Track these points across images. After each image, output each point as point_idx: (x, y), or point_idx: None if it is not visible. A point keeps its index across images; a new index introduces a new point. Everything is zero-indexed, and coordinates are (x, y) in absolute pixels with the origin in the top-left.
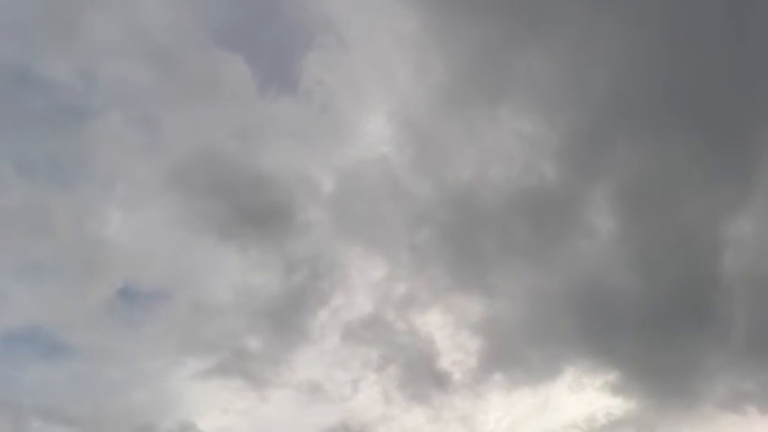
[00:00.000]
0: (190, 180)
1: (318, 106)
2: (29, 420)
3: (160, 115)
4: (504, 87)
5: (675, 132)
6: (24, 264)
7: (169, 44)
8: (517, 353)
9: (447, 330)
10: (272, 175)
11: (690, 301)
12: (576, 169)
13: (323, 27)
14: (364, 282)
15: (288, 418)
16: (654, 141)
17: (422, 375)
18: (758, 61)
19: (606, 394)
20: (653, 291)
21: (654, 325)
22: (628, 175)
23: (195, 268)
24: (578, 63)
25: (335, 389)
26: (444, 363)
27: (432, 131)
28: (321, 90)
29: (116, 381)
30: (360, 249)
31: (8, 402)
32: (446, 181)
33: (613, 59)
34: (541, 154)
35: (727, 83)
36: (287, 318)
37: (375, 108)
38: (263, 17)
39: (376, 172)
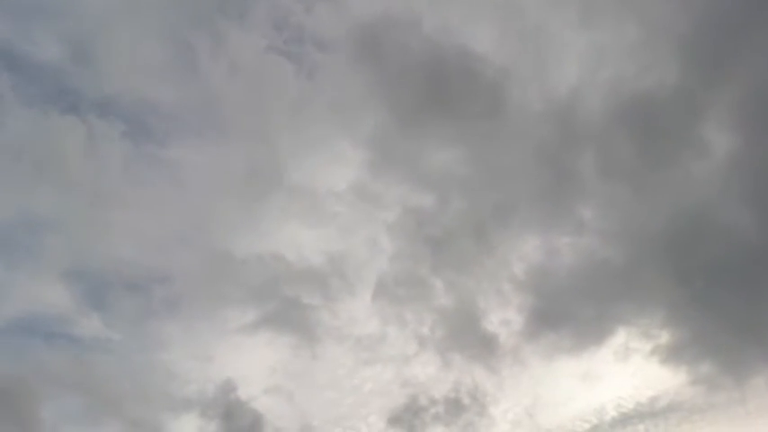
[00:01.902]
0: None
1: None
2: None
3: None
4: None
5: None
6: None
7: None
8: (569, 311)
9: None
10: None
11: None
12: (700, 69)
13: None
14: None
15: None
16: None
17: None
18: None
19: (654, 364)
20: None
21: (757, 276)
22: (759, 82)
23: None
24: None
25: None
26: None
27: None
28: None
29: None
30: None
31: None
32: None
33: None
34: (666, 46)
35: None
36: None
37: None
38: None
39: None
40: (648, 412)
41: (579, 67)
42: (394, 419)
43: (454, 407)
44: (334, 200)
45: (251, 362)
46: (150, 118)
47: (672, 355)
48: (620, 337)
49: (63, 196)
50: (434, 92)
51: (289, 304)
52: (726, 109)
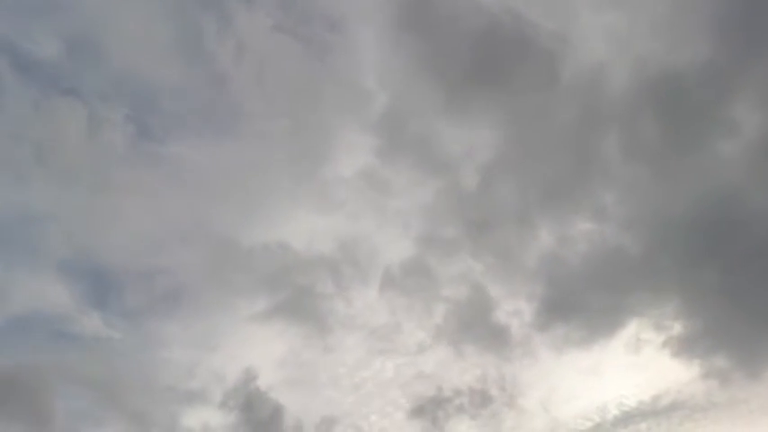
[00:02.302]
0: None
1: None
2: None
3: None
4: None
5: None
6: None
7: None
8: (581, 301)
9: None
10: None
11: None
12: (731, 46)
13: None
14: None
15: None
16: None
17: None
18: None
19: (665, 356)
20: None
21: None
22: None
23: None
24: None
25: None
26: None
27: None
28: None
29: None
30: None
31: None
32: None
33: None
34: (696, 23)
35: None
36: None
37: None
38: None
39: None
40: (656, 409)
41: (606, 44)
42: (416, 411)
43: (480, 398)
44: (343, 186)
45: (263, 352)
46: (155, 102)
47: (684, 347)
48: (632, 328)
49: (63, 183)
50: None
51: (300, 293)
52: (757, 88)
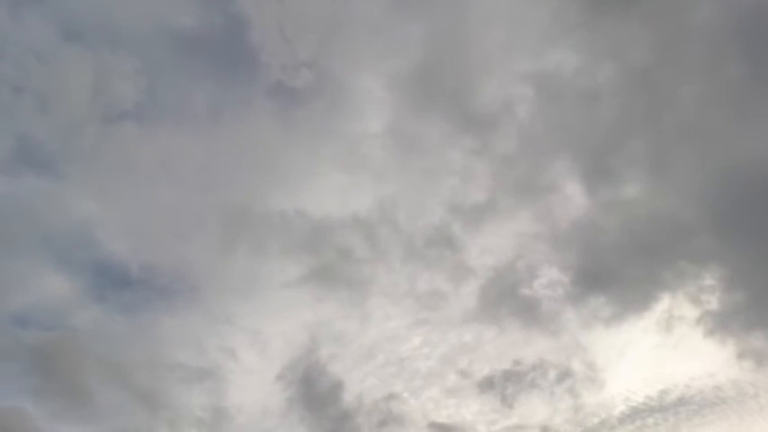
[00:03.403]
0: None
1: None
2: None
3: None
4: None
5: None
6: None
7: None
8: (614, 272)
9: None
10: None
11: None
12: None
13: None
14: None
15: None
16: None
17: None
18: None
19: (698, 335)
20: None
21: None
22: None
23: None
24: None
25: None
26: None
27: None
28: None
29: None
30: None
31: None
32: None
33: None
34: None
35: None
36: None
37: None
38: None
39: None
40: (685, 398)
41: None
42: (486, 384)
43: (564, 373)
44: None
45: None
46: (168, 51)
47: (720, 324)
48: (665, 303)
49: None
50: None
51: (334, 258)
52: None
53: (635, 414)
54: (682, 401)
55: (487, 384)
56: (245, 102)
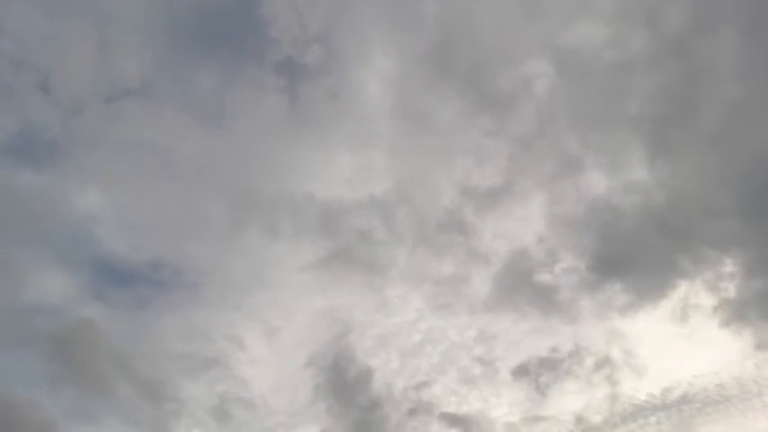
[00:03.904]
0: None
1: None
2: None
3: None
4: None
5: None
6: None
7: None
8: (631, 259)
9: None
10: None
11: None
12: None
13: None
14: None
15: None
16: None
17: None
18: None
19: (714, 325)
20: None
21: None
22: None
23: None
24: None
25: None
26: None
27: None
28: None
29: None
30: None
31: None
32: None
33: None
34: None
35: None
36: None
37: None
38: None
39: None
40: (696, 392)
41: None
42: (520, 371)
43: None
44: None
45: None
46: (174, 25)
47: (737, 313)
48: (681, 291)
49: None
50: None
51: (347, 241)
52: None
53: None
54: (694, 396)
55: (522, 372)
56: (253, 79)
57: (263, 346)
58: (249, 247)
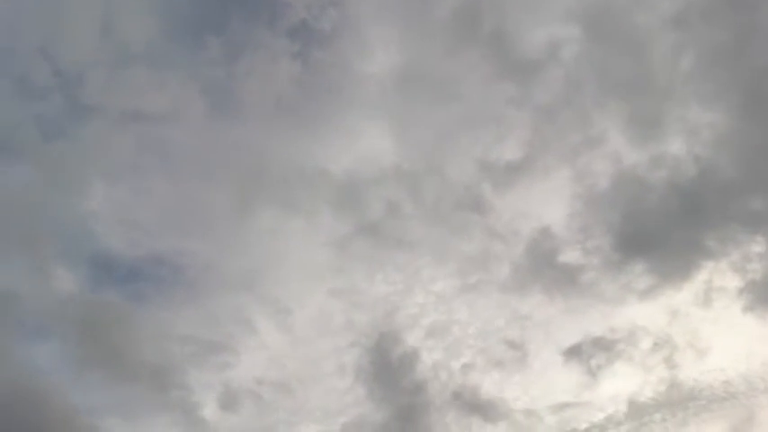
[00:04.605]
0: None
1: None
2: None
3: None
4: None
5: None
6: None
7: None
8: (656, 237)
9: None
10: None
11: None
12: None
13: None
14: None
15: None
16: None
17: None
18: None
19: (737, 309)
20: None
21: None
22: None
23: None
24: None
25: None
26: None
27: None
28: None
29: None
30: None
31: None
32: None
33: None
34: None
35: None
36: None
37: None
38: None
39: None
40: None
41: None
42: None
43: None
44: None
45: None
46: None
47: (763, 297)
48: (706, 273)
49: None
50: None
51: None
52: None
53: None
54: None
55: (574, 351)
56: (264, 44)
57: (285, 329)
58: (261, 226)
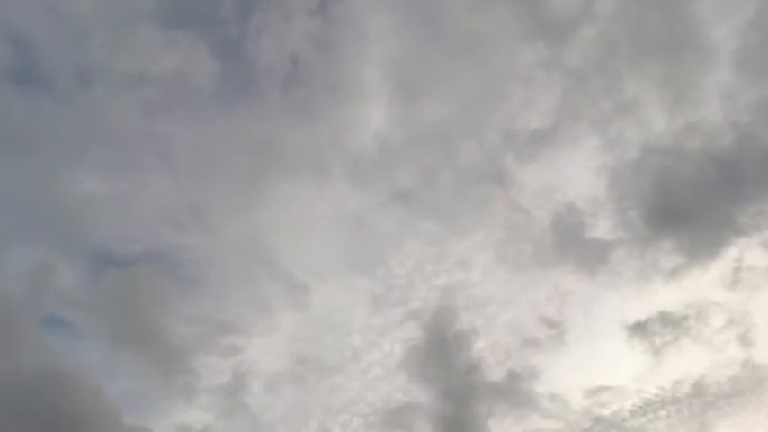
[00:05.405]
0: None
1: None
2: None
3: None
4: None
5: None
6: None
7: None
8: (689, 211)
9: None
10: None
11: None
12: None
13: None
14: None
15: None
16: None
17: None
18: None
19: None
20: None
21: None
22: None
23: None
24: None
25: None
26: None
27: None
28: None
29: None
30: None
31: None
32: None
33: None
34: None
35: None
36: None
37: None
38: None
39: None
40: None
41: None
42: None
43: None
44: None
45: None
46: None
47: None
48: (735, 251)
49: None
50: None
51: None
52: None
53: None
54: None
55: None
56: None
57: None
58: (277, 196)
